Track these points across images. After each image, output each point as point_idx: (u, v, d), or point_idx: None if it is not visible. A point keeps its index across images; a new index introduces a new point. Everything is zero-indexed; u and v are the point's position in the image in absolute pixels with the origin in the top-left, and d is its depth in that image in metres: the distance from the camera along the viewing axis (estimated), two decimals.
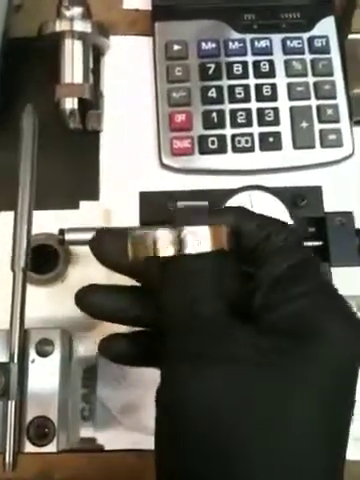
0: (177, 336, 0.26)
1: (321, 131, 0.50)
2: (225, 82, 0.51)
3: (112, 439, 0.46)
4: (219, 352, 0.24)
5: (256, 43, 0.52)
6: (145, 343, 0.32)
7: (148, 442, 0.45)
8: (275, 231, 0.28)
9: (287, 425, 0.23)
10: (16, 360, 0.34)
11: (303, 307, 0.26)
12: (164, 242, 0.26)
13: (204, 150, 0.50)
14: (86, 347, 0.42)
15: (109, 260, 0.30)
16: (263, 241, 0.28)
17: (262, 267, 0.27)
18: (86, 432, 0.46)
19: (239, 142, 0.49)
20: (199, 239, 0.26)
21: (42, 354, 0.36)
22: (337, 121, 0.51)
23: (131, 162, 0.50)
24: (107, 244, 0.30)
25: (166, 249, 0.26)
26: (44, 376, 0.36)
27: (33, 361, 0.36)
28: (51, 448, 0.35)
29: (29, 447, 0.35)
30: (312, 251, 0.39)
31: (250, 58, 0.52)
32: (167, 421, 0.25)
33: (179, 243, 0.26)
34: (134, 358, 0.32)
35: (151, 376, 0.46)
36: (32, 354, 0.36)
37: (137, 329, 0.33)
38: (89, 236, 0.39)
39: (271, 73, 0.51)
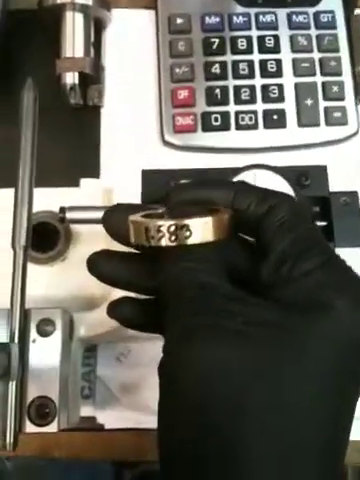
0: (179, 307, 0.25)
1: (326, 109, 0.49)
2: (229, 57, 0.50)
3: (112, 418, 0.46)
4: (222, 323, 0.24)
5: (261, 17, 0.51)
6: (154, 310, 0.31)
7: (148, 421, 0.45)
8: (276, 205, 0.27)
9: (288, 400, 0.23)
10: (17, 340, 0.34)
11: (310, 283, 0.25)
12: (165, 232, 0.26)
13: (207, 127, 0.49)
14: (87, 326, 0.41)
15: (117, 235, 0.30)
16: (265, 216, 0.27)
17: (266, 242, 0.27)
18: (86, 411, 0.46)
19: (243, 119, 0.49)
20: (201, 232, 0.26)
21: (43, 334, 0.35)
22: (342, 99, 0.50)
23: (132, 139, 0.49)
24: (116, 219, 0.29)
25: (167, 239, 0.26)
26: (45, 356, 0.35)
27: (34, 341, 0.35)
28: (52, 428, 0.35)
29: (30, 427, 0.34)
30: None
31: (255, 33, 0.51)
32: (169, 392, 0.25)
33: (182, 235, 0.26)
34: (141, 323, 0.32)
35: (151, 355, 0.46)
36: (33, 334, 0.35)
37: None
38: (90, 215, 0.39)
39: (276, 48, 0.50)
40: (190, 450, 0.24)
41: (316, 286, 0.25)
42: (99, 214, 0.38)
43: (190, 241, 0.26)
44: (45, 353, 0.35)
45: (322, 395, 0.24)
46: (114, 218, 0.30)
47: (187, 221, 0.26)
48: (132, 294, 0.33)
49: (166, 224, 0.26)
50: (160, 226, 0.26)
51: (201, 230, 0.26)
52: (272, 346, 0.24)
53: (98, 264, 0.31)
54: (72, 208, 0.38)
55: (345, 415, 0.25)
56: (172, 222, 0.26)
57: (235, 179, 0.39)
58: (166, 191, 0.29)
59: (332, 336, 0.24)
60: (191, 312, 0.25)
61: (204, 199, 0.28)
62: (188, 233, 0.26)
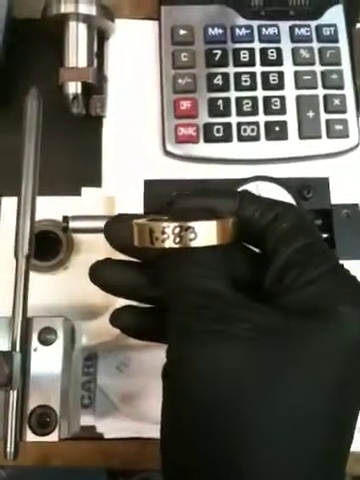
0: (182, 312, 0.25)
1: (327, 121, 0.50)
2: (231, 69, 0.50)
3: (112, 427, 0.46)
4: (226, 329, 0.24)
5: (263, 30, 0.51)
6: (157, 318, 0.31)
7: (148, 430, 0.45)
8: (281, 214, 0.28)
9: (293, 406, 0.23)
10: (18, 349, 0.34)
11: (315, 291, 0.25)
12: (169, 234, 0.26)
13: (209, 138, 0.49)
14: (88, 335, 0.41)
15: (118, 244, 0.30)
16: (270, 224, 0.27)
17: (271, 251, 0.27)
18: (86, 420, 0.46)
19: (244, 131, 0.49)
20: (206, 234, 0.26)
21: (45, 343, 0.35)
22: (344, 111, 0.50)
23: (134, 149, 0.49)
24: (117, 228, 0.30)
25: (171, 241, 0.26)
26: (46, 365, 0.35)
27: (35, 350, 0.35)
28: (53, 437, 0.35)
29: (30, 436, 0.34)
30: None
31: (257, 45, 0.51)
32: (172, 398, 0.25)
33: (186, 237, 0.26)
34: (144, 332, 0.32)
35: (151, 365, 0.46)
36: (34, 343, 0.35)
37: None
38: (93, 224, 0.39)
39: (278, 61, 0.50)
40: (195, 457, 0.24)
41: (320, 294, 0.25)
42: (102, 223, 0.38)
43: (194, 243, 0.26)
44: (47, 362, 0.35)
45: (326, 400, 0.24)
46: (116, 227, 0.30)
47: (192, 223, 0.26)
48: (134, 303, 0.33)
49: (171, 226, 0.26)
50: (165, 227, 0.26)
51: (205, 233, 0.26)
52: (277, 352, 0.24)
53: (100, 273, 0.31)
54: (75, 217, 0.38)
55: (349, 420, 0.25)
56: (177, 224, 0.26)
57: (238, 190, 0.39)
58: (170, 199, 0.29)
59: (336, 342, 0.24)
60: (194, 317, 0.25)
61: (209, 207, 0.29)
62: (192, 235, 0.26)
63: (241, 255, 0.29)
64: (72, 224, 0.38)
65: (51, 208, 0.45)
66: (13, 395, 0.34)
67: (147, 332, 0.32)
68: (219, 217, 0.27)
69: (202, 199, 0.29)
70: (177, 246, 0.26)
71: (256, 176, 0.40)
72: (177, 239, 0.26)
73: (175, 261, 0.27)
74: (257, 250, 0.29)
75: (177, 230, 0.26)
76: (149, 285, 0.30)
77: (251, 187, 0.39)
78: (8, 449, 0.33)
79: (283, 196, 0.39)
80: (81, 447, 0.45)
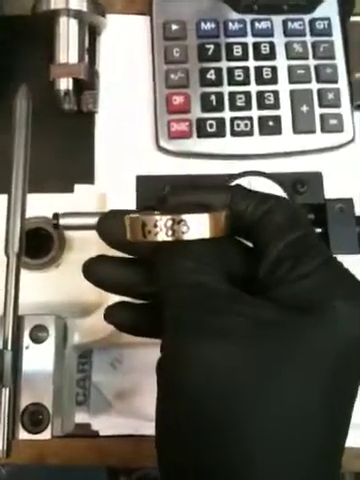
0: (176, 306, 0.25)
1: (322, 116, 0.49)
2: (224, 64, 0.50)
3: (107, 425, 0.46)
4: (220, 322, 0.24)
5: (256, 24, 0.51)
6: (151, 314, 0.31)
7: (143, 427, 0.45)
8: (273, 207, 0.27)
9: (288, 399, 0.23)
10: (10, 346, 0.34)
11: (308, 284, 0.25)
12: (163, 227, 0.26)
13: (202, 133, 0.49)
14: (81, 332, 0.41)
15: (111, 240, 0.30)
16: (262, 218, 0.27)
17: (264, 244, 0.27)
18: (81, 418, 0.45)
19: (238, 126, 0.49)
20: (198, 227, 0.26)
21: (36, 340, 0.35)
22: (338, 106, 0.50)
23: (127, 145, 0.49)
24: (110, 224, 0.30)
25: (164, 234, 0.26)
26: (38, 363, 0.35)
27: (27, 347, 0.35)
28: (45, 435, 0.34)
29: (23, 434, 0.34)
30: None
31: (250, 39, 0.51)
32: (167, 393, 0.25)
33: (178, 230, 0.26)
34: (138, 328, 0.32)
35: (146, 362, 0.46)
36: (26, 340, 0.35)
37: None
38: (84, 221, 0.39)
39: (271, 55, 0.50)
40: (189, 454, 0.24)
41: (314, 287, 0.25)
42: (93, 220, 0.38)
43: (186, 236, 0.26)
44: (38, 360, 0.35)
45: (321, 397, 0.23)
46: (109, 222, 0.30)
47: (184, 216, 0.26)
48: (127, 299, 0.33)
49: (163, 218, 0.26)
50: (157, 221, 0.26)
51: (198, 225, 0.26)
52: (271, 345, 0.24)
53: (94, 269, 0.31)
54: (66, 214, 0.38)
55: (344, 412, 0.25)
56: (169, 217, 0.26)
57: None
58: (163, 195, 0.29)
59: (331, 338, 0.24)
60: (188, 312, 0.25)
61: (201, 202, 0.29)
62: (185, 228, 0.26)
63: (235, 249, 0.29)
64: (63, 221, 0.37)
65: (44, 205, 0.45)
66: (5, 393, 0.33)
67: (141, 328, 0.32)
68: (212, 210, 0.27)
69: (195, 194, 0.29)
70: (170, 239, 0.26)
71: (248, 171, 0.39)
72: (169, 232, 0.26)
73: (168, 255, 0.27)
74: (250, 244, 0.29)
75: (169, 223, 0.26)
76: (143, 281, 0.30)
77: (243, 182, 0.39)
78: (0, 447, 0.33)
79: (275, 191, 0.39)
80: (76, 445, 0.45)
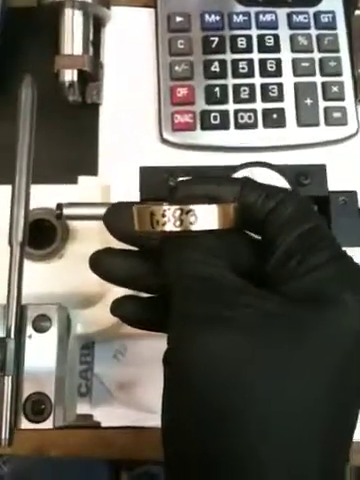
0: (184, 298, 0.25)
1: (326, 109, 0.49)
2: (229, 56, 0.50)
3: (109, 416, 0.46)
4: (228, 315, 0.24)
5: (261, 17, 0.51)
6: (157, 308, 0.31)
7: (145, 419, 0.45)
8: (284, 200, 0.27)
9: (295, 393, 0.23)
10: (13, 336, 0.34)
11: (318, 277, 0.25)
12: (171, 218, 0.26)
13: (206, 126, 0.49)
14: (84, 323, 0.41)
15: (118, 232, 0.30)
16: (272, 211, 0.27)
17: (273, 238, 0.27)
18: (83, 409, 0.45)
19: (242, 118, 0.49)
20: (206, 218, 0.26)
21: (39, 330, 0.35)
22: (342, 99, 0.50)
23: (131, 136, 0.49)
24: (117, 216, 0.30)
25: (172, 224, 0.26)
26: (41, 352, 0.35)
27: (30, 337, 0.35)
28: (47, 424, 0.34)
29: (25, 423, 0.34)
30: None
31: (255, 32, 0.50)
32: (174, 385, 0.25)
33: (186, 221, 0.26)
34: (144, 321, 0.32)
35: (148, 353, 0.46)
36: (29, 330, 0.35)
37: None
38: (87, 211, 0.39)
39: (276, 48, 0.50)
40: (196, 444, 0.24)
41: (323, 280, 0.25)
42: (96, 210, 0.38)
43: (194, 227, 0.26)
44: (41, 349, 0.35)
45: (329, 388, 0.23)
46: (116, 215, 0.30)
47: (192, 206, 0.26)
48: (131, 291, 0.33)
49: (171, 208, 0.26)
50: (165, 210, 0.26)
51: (206, 216, 0.26)
52: (277, 338, 0.24)
53: (101, 262, 0.31)
54: (69, 204, 0.38)
55: (351, 407, 0.25)
56: (177, 207, 0.26)
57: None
58: (172, 186, 0.29)
59: (340, 329, 0.24)
60: (196, 303, 0.25)
61: (210, 194, 0.28)
62: (193, 218, 0.26)
63: (243, 241, 0.29)
64: (66, 211, 0.37)
65: (47, 197, 0.45)
66: (8, 382, 0.33)
67: (147, 322, 0.32)
68: (220, 202, 0.27)
69: (204, 186, 0.29)
70: (178, 229, 0.26)
71: (250, 162, 0.39)
72: (177, 222, 0.26)
73: (176, 247, 0.27)
74: (259, 237, 0.29)
75: (178, 213, 0.26)
76: (149, 273, 0.30)
77: (245, 173, 0.39)
78: (2, 436, 0.33)
79: (277, 181, 0.39)
80: (78, 436, 0.45)
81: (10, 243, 0.35)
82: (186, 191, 0.29)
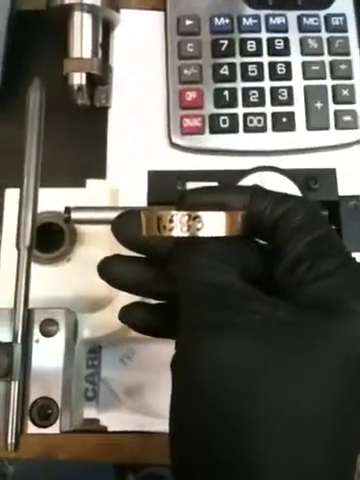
0: (192, 305, 0.25)
1: (336, 112, 0.49)
2: (238, 59, 0.49)
3: (116, 420, 0.46)
4: (236, 321, 0.24)
5: (271, 20, 0.50)
6: (165, 314, 0.31)
7: (152, 424, 0.45)
8: (293, 207, 0.27)
9: (304, 401, 0.23)
10: (20, 340, 0.34)
11: (327, 285, 0.25)
12: (178, 223, 0.26)
13: (215, 129, 0.48)
14: (91, 327, 0.41)
15: (126, 239, 0.30)
16: (281, 218, 0.27)
17: (282, 244, 0.27)
18: (90, 413, 0.45)
19: (251, 122, 0.48)
20: (213, 225, 0.26)
21: (46, 334, 0.35)
22: (352, 102, 0.49)
23: (139, 140, 0.49)
24: (125, 223, 0.30)
25: (179, 230, 0.26)
26: (48, 356, 0.35)
27: (37, 341, 0.35)
28: (54, 429, 0.34)
29: (32, 428, 0.34)
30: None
31: (264, 35, 0.50)
32: (182, 391, 0.25)
33: (194, 226, 0.26)
34: (153, 328, 0.32)
35: (155, 358, 0.46)
36: (36, 334, 0.35)
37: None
38: (95, 215, 0.39)
39: (286, 51, 0.50)
40: (203, 449, 0.24)
41: (333, 288, 0.25)
42: (104, 215, 0.38)
43: (201, 233, 0.26)
44: (48, 353, 0.35)
45: (340, 396, 0.23)
46: (123, 221, 0.30)
47: (200, 213, 0.26)
48: (139, 297, 0.33)
49: (179, 214, 0.26)
50: (173, 216, 0.26)
51: (213, 223, 0.26)
52: (287, 345, 0.23)
53: (109, 268, 0.31)
54: (77, 208, 0.38)
55: (358, 415, 0.24)
56: (185, 213, 0.26)
57: (241, 182, 0.39)
58: (181, 194, 0.29)
59: (351, 338, 0.24)
60: (204, 309, 0.25)
61: (220, 202, 0.28)
62: (200, 224, 0.26)
63: (252, 248, 0.29)
64: (74, 215, 0.37)
65: (56, 200, 0.45)
66: (14, 386, 0.33)
67: (156, 328, 0.32)
68: (228, 210, 0.27)
69: (214, 194, 0.29)
70: (185, 235, 0.26)
71: (259, 167, 0.39)
72: (185, 228, 0.26)
73: (184, 253, 0.27)
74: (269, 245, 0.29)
75: (185, 219, 0.26)
76: (158, 280, 0.30)
77: (254, 178, 0.39)
78: (9, 440, 0.33)
79: (287, 186, 0.39)
80: (85, 440, 0.45)
81: (17, 247, 0.35)
82: (195, 199, 0.29)
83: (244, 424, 0.23)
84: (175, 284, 0.27)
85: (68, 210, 0.37)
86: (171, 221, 0.26)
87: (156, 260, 0.30)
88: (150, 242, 0.28)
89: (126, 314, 0.32)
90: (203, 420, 0.24)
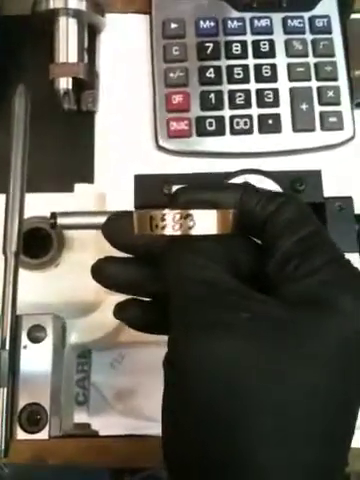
0: (183, 303, 0.25)
1: (321, 113, 0.49)
2: (224, 62, 0.50)
3: (106, 424, 0.46)
4: (227, 319, 0.24)
5: (256, 22, 0.51)
6: (160, 311, 0.31)
7: (143, 427, 0.45)
8: (283, 204, 0.27)
9: (295, 398, 0.23)
10: (8, 346, 0.34)
11: (316, 281, 0.25)
12: (170, 222, 0.26)
13: (201, 132, 0.48)
14: (80, 332, 0.41)
15: (117, 240, 0.30)
16: (271, 216, 0.27)
17: (273, 241, 0.27)
18: (81, 417, 0.45)
19: (237, 124, 0.48)
20: (205, 223, 0.26)
21: (34, 340, 0.35)
22: (338, 103, 0.50)
23: (127, 144, 0.49)
24: (116, 224, 0.30)
25: (171, 228, 0.26)
26: (36, 362, 0.35)
27: (25, 347, 0.35)
28: (43, 435, 0.34)
29: (21, 434, 0.34)
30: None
31: (249, 37, 0.50)
32: (174, 390, 0.25)
33: (185, 225, 0.26)
34: (147, 324, 0.32)
35: (145, 361, 0.46)
36: (24, 340, 0.35)
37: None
38: (82, 220, 0.39)
39: (271, 53, 0.50)
40: (198, 448, 0.24)
41: (322, 284, 0.25)
42: (91, 219, 0.38)
43: (193, 231, 0.26)
44: (36, 360, 0.35)
45: (331, 392, 0.23)
46: (115, 222, 0.30)
47: (191, 211, 0.26)
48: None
49: (171, 212, 0.26)
50: (165, 214, 0.26)
51: (205, 221, 0.26)
52: (279, 342, 0.24)
53: (102, 269, 0.31)
54: (63, 214, 0.38)
55: (352, 410, 0.25)
56: (177, 211, 0.26)
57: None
58: (173, 193, 0.30)
59: (341, 334, 0.24)
60: (195, 307, 0.25)
61: (211, 200, 0.29)
62: (192, 223, 0.26)
63: (243, 246, 0.29)
64: (60, 220, 0.37)
65: (43, 205, 0.45)
66: (3, 393, 0.33)
67: (150, 324, 0.32)
68: (220, 208, 0.27)
69: (205, 193, 0.29)
70: (177, 233, 0.26)
71: (244, 169, 0.39)
72: (177, 226, 0.26)
73: (176, 251, 0.27)
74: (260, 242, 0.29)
75: (177, 217, 0.26)
76: (150, 279, 0.30)
77: (240, 181, 0.39)
78: None
79: (272, 189, 0.39)
80: (76, 444, 0.45)
81: (4, 252, 0.35)
82: (186, 197, 0.29)
83: (238, 422, 0.23)
84: (166, 282, 0.27)
85: (54, 216, 0.37)
86: (163, 220, 0.26)
87: (148, 260, 0.30)
88: (142, 241, 0.28)
89: (121, 310, 0.32)
90: (197, 419, 0.24)
